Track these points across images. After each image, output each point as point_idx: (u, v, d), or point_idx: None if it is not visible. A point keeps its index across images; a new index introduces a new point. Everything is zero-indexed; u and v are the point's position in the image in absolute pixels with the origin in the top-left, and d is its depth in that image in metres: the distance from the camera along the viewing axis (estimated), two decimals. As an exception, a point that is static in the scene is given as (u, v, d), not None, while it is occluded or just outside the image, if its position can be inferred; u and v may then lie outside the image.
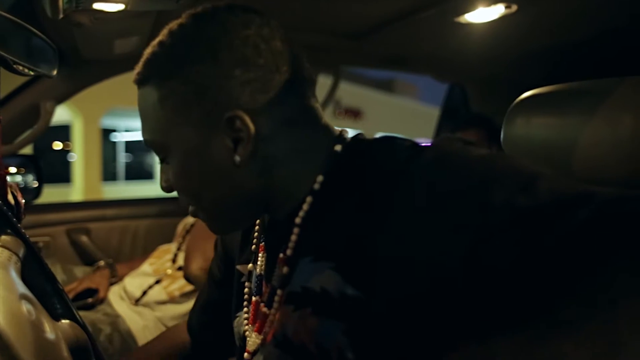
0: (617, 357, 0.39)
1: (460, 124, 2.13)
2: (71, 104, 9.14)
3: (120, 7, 1.18)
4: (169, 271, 1.65)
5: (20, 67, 0.89)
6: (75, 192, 10.36)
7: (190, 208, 0.71)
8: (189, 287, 1.59)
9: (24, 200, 0.81)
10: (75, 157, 10.45)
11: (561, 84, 1.00)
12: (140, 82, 0.66)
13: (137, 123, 16.09)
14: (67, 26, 1.35)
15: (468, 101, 2.59)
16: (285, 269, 0.66)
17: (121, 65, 1.88)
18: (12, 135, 1.71)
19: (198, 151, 0.64)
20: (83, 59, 1.70)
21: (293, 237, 0.65)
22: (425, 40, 2.01)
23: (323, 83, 2.53)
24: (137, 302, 1.61)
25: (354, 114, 15.42)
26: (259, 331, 0.69)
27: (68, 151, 12.14)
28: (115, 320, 1.52)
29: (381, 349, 0.55)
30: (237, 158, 0.63)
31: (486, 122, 1.99)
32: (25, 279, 0.61)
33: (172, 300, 1.59)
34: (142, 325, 1.53)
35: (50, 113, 1.71)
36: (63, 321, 0.65)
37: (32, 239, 1.85)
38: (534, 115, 0.94)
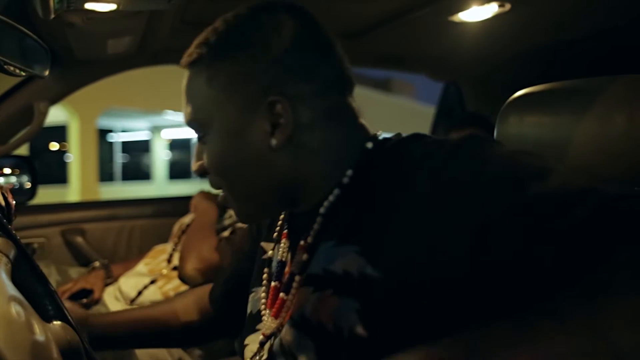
0: (610, 352, 0.39)
1: (455, 122, 2.13)
2: (67, 104, 9.11)
3: (112, 7, 1.18)
4: (165, 271, 1.65)
5: (12, 68, 0.89)
6: (72, 192, 10.33)
7: (220, 194, 0.75)
8: (184, 287, 1.58)
9: (14, 202, 0.81)
10: (72, 158, 10.43)
11: (554, 82, 1.00)
12: (191, 63, 0.70)
13: (133, 123, 16.07)
14: (59, 26, 1.35)
15: (463, 100, 2.59)
16: (305, 256, 0.69)
17: (115, 65, 1.88)
18: (6, 136, 1.71)
19: (237, 131, 0.68)
20: (76, 59, 1.70)
21: (315, 226, 0.69)
22: (420, 39, 2.01)
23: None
24: (132, 302, 1.61)
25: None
26: (276, 316, 0.71)
27: (64, 152, 12.12)
28: (110, 321, 1.51)
29: (390, 328, 0.57)
30: (274, 141, 0.66)
31: (481, 120, 1.99)
32: (15, 280, 0.61)
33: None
34: (137, 326, 1.52)
35: (44, 114, 1.70)
36: (55, 323, 0.65)
37: (27, 240, 1.86)
38: (526, 113, 0.94)
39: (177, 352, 1.55)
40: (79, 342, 0.65)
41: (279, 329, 0.70)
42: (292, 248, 0.74)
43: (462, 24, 1.78)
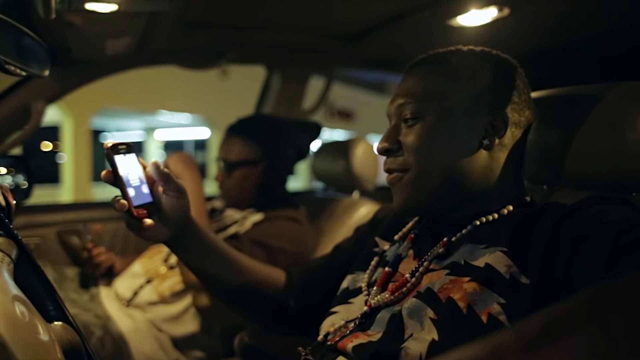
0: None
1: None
2: (61, 104, 9.07)
3: (113, 7, 1.18)
4: (163, 269, 1.64)
5: (12, 68, 0.88)
6: (65, 192, 10.28)
7: (389, 178, 0.87)
8: (180, 286, 1.58)
9: (14, 201, 0.80)
10: (65, 158, 10.37)
11: (554, 88, 1.01)
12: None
13: (127, 124, 15.96)
14: (58, 26, 1.35)
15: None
16: (442, 250, 0.82)
17: (113, 65, 1.87)
18: (2, 135, 1.70)
19: (461, 119, 0.82)
20: (74, 59, 1.69)
21: (464, 231, 0.82)
22: (419, 42, 2.02)
23: (315, 85, 2.53)
24: (128, 303, 1.60)
25: (346, 115, 15.46)
26: (393, 292, 0.82)
27: (57, 152, 12.05)
28: (106, 322, 1.51)
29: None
30: (486, 142, 0.82)
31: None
32: (17, 280, 0.61)
33: (163, 300, 1.58)
34: (133, 328, 1.52)
35: (41, 113, 1.70)
36: (56, 323, 0.65)
37: (23, 240, 1.84)
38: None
39: (174, 353, 1.55)
40: (80, 342, 0.65)
41: (387, 303, 0.82)
42: (426, 245, 0.87)
43: (461, 28, 1.79)
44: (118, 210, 0.82)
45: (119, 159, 0.85)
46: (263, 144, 1.73)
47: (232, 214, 1.76)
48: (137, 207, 0.84)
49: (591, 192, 0.87)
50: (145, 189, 0.87)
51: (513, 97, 0.85)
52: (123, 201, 0.83)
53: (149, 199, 0.87)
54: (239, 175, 1.71)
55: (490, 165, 0.84)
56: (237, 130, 1.76)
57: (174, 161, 1.60)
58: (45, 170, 12.29)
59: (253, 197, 1.73)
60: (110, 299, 1.63)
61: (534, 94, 0.93)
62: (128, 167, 0.86)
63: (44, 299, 0.67)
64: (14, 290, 0.56)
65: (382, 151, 0.87)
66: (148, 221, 0.84)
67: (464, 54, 0.88)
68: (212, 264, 1.01)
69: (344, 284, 0.95)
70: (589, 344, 0.40)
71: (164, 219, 0.89)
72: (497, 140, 0.83)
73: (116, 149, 0.86)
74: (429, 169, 0.83)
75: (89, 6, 1.17)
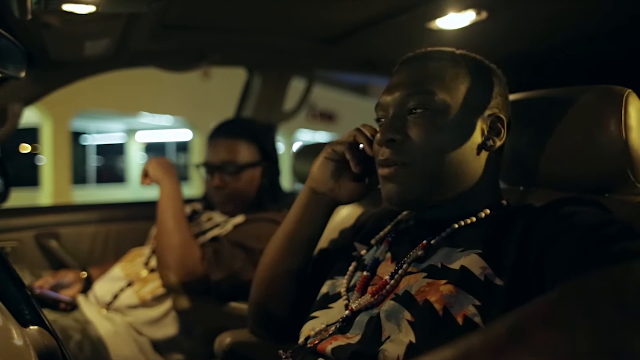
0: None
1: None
2: (40, 105, 8.92)
3: (91, 9, 1.17)
4: (143, 274, 1.63)
5: (-12, 69, 0.87)
6: (44, 195, 10.14)
7: (386, 171, 0.84)
8: (161, 290, 1.57)
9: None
10: (44, 160, 10.22)
11: (531, 91, 1.02)
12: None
13: (108, 126, 15.80)
14: (35, 27, 1.33)
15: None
16: (420, 252, 0.83)
17: (92, 67, 1.86)
18: (-22, 138, 1.67)
19: (468, 116, 0.83)
20: (52, 61, 1.67)
21: (443, 234, 0.83)
22: (398, 45, 2.04)
23: (297, 86, 2.54)
24: (108, 306, 1.58)
25: (328, 117, 15.49)
26: (373, 294, 0.82)
27: (36, 154, 11.88)
28: (85, 326, 1.49)
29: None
30: (490, 142, 0.84)
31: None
32: (-9, 284, 0.60)
33: (144, 304, 1.57)
34: (113, 332, 1.50)
35: (18, 115, 1.67)
36: (31, 327, 0.64)
37: (-1, 244, 1.82)
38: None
39: (154, 356, 1.54)
40: (57, 346, 0.64)
41: (367, 306, 0.82)
42: (404, 248, 0.87)
43: (440, 31, 1.81)
44: None
45: None
46: (262, 145, 1.73)
47: (213, 216, 1.75)
48: None
49: (566, 193, 0.88)
50: None
51: (506, 103, 0.88)
52: None
53: None
54: (246, 177, 1.69)
55: (480, 166, 0.85)
56: (233, 132, 1.72)
57: (152, 166, 1.61)
58: (23, 173, 12.10)
59: (255, 199, 1.72)
60: (89, 303, 1.62)
61: (510, 97, 0.94)
62: None
63: (19, 303, 0.66)
64: (-12, 294, 0.55)
65: (386, 142, 0.83)
66: None
67: (467, 55, 0.89)
68: None
69: (324, 289, 0.96)
70: (552, 344, 0.41)
71: None
72: (498, 143, 0.85)
73: None
74: (434, 164, 0.82)
75: (66, 7, 1.16)
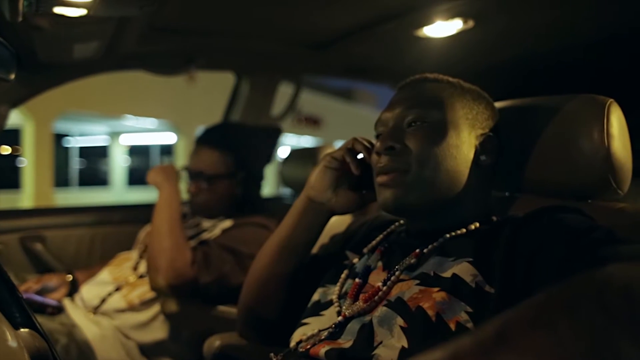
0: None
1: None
2: (22, 106, 8.81)
3: (82, 12, 1.17)
4: (131, 279, 1.62)
5: (-23, 71, 0.87)
6: (25, 198, 9.99)
7: (385, 178, 0.87)
8: (150, 295, 1.56)
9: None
10: (26, 162, 10.08)
11: (515, 99, 1.05)
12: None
13: (91, 128, 15.62)
14: (25, 29, 1.32)
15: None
16: (413, 260, 0.85)
17: (80, 69, 1.85)
18: (-37, 139, 1.66)
19: (464, 132, 0.87)
20: (40, 63, 1.66)
21: (435, 243, 0.85)
22: (385, 52, 2.06)
23: (284, 92, 2.55)
24: (95, 310, 1.57)
25: (313, 122, 15.51)
26: (365, 301, 0.84)
27: (17, 156, 11.71)
28: (71, 330, 1.48)
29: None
30: (483, 157, 0.88)
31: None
32: (-17, 287, 0.60)
33: (132, 308, 1.56)
34: (100, 335, 1.49)
35: (5, 117, 1.66)
36: (22, 330, 0.64)
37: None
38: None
39: (142, 359, 1.53)
40: (47, 349, 0.64)
41: (359, 313, 0.83)
42: (397, 256, 0.89)
43: (427, 39, 1.84)
44: None
45: None
46: (239, 155, 1.73)
47: (201, 221, 1.75)
48: None
49: (550, 199, 0.91)
50: None
51: (498, 126, 0.93)
52: None
53: None
54: (217, 188, 1.70)
55: (472, 180, 0.88)
56: (211, 141, 1.73)
57: (155, 172, 1.66)
58: (4, 174, 11.92)
59: (229, 208, 1.73)
60: (75, 307, 1.60)
61: (496, 105, 0.96)
62: None
63: (10, 306, 0.66)
64: (-19, 297, 0.55)
65: (386, 150, 0.87)
66: None
67: (462, 82, 0.94)
68: None
69: (315, 296, 0.97)
70: (537, 346, 0.42)
71: None
72: (489, 160, 0.89)
73: None
74: (429, 172, 0.85)
75: (57, 10, 1.15)
